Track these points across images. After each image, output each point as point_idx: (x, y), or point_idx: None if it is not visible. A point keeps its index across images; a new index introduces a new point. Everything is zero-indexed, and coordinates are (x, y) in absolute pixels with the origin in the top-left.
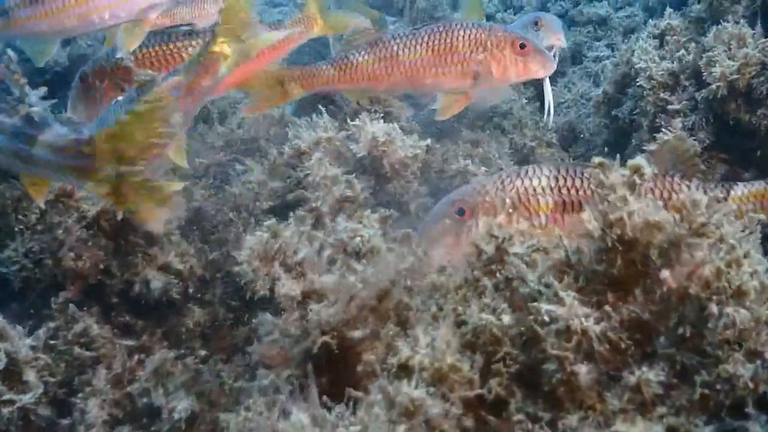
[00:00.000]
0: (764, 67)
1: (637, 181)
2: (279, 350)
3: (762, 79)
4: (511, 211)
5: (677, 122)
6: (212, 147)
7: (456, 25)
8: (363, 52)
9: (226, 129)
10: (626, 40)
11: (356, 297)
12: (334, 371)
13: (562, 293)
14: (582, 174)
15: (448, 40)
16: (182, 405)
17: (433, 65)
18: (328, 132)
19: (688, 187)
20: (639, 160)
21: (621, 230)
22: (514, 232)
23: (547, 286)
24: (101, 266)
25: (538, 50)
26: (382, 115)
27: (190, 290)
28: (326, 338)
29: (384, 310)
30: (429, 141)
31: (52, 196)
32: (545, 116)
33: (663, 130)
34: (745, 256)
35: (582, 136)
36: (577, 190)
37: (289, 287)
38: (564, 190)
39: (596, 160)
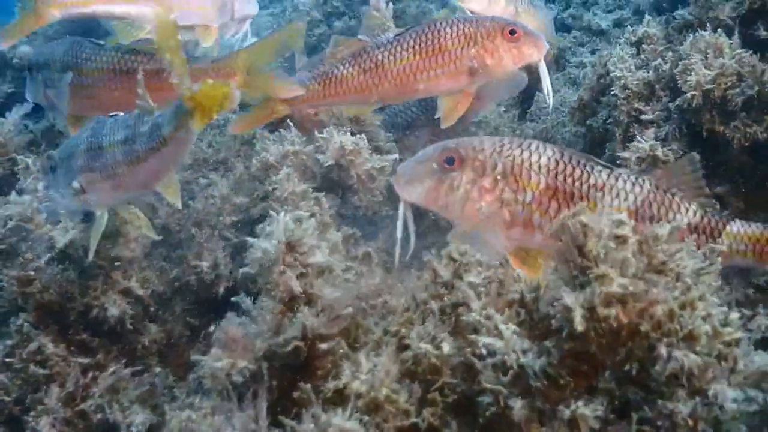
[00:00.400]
0: (740, 78)
1: (618, 252)
2: (244, 337)
3: (737, 90)
4: (499, 177)
5: (650, 133)
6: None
7: (441, 23)
8: (347, 65)
9: (196, 148)
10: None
11: (339, 314)
12: (292, 378)
13: (501, 326)
14: (584, 166)
15: (436, 40)
16: (139, 419)
17: (424, 69)
18: (296, 145)
19: (687, 209)
20: (622, 218)
21: (605, 322)
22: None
23: (488, 317)
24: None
25: (529, 33)
26: (349, 129)
27: (151, 309)
28: (301, 344)
29: (346, 329)
30: (397, 155)
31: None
32: (546, 99)
33: (636, 139)
34: (701, 298)
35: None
36: (573, 181)
37: (295, 282)
38: (560, 176)
39: (581, 218)
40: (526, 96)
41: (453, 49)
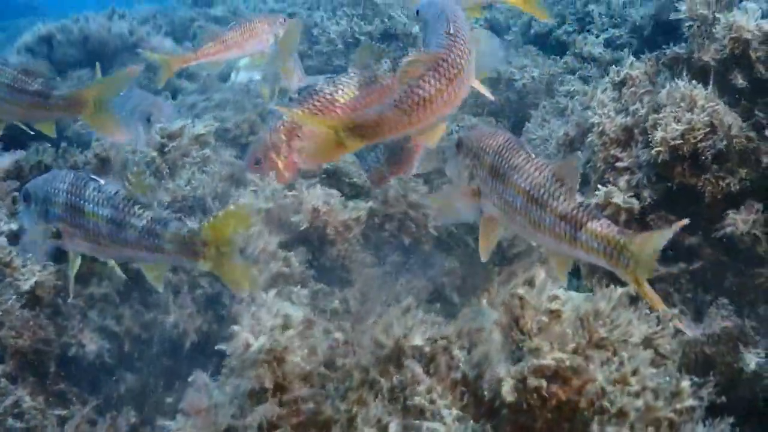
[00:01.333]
0: (712, 131)
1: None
2: (207, 410)
3: (708, 143)
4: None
5: (623, 180)
6: (159, 203)
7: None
8: (433, 80)
9: (175, 185)
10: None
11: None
12: None
13: (444, 412)
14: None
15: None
16: None
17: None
18: (269, 202)
19: (565, 199)
20: (558, 293)
21: (537, 393)
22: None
23: (432, 402)
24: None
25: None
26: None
27: (126, 349)
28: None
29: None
30: (371, 203)
31: None
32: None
33: (608, 186)
34: (634, 372)
35: None
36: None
37: (269, 379)
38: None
39: (518, 291)
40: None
41: None
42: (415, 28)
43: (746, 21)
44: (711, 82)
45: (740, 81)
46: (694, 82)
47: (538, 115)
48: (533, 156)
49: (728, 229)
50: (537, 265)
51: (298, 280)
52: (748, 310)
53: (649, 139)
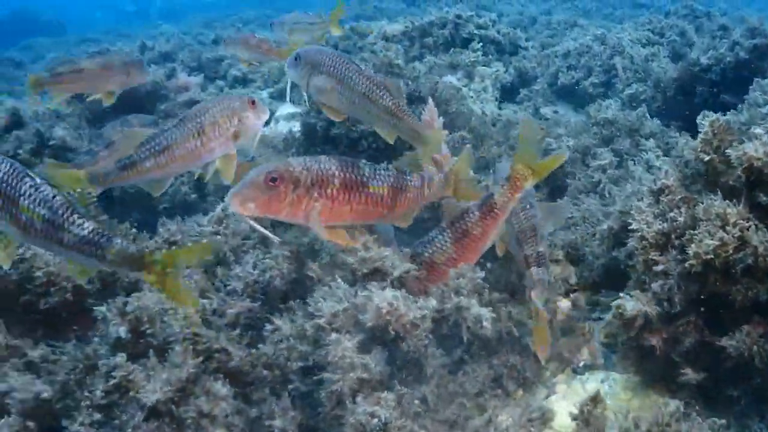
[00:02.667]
0: (743, 245)
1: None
2: None
3: (740, 256)
4: (309, 186)
5: (657, 286)
6: (235, 292)
7: None
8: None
9: (243, 271)
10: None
11: None
12: None
13: None
14: (359, 168)
15: None
16: None
17: None
18: (343, 303)
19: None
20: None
21: None
22: None
23: None
24: None
25: None
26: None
27: None
28: None
29: None
30: (434, 302)
31: None
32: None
33: (645, 287)
34: None
35: (585, 257)
36: (355, 177)
37: None
38: (348, 176)
39: None
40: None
41: None
42: (443, 92)
43: (755, 150)
44: (742, 199)
45: (763, 198)
46: (726, 201)
47: (573, 188)
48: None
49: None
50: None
51: (380, 383)
52: None
53: (685, 248)
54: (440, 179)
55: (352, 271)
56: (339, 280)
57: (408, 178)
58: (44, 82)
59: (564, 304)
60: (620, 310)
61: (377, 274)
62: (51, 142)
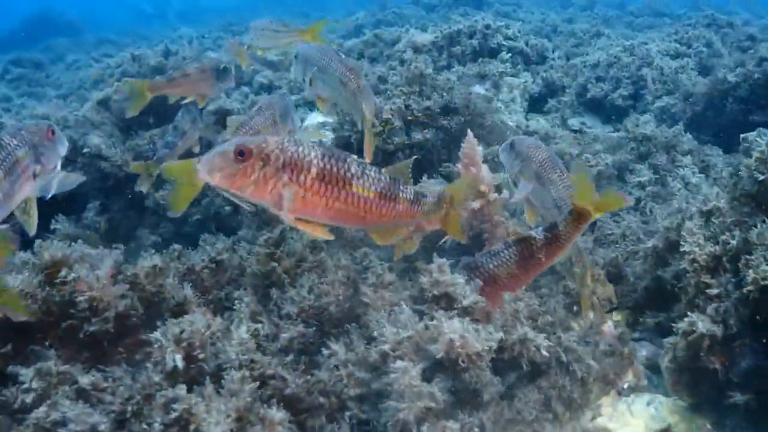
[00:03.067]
0: None
1: None
2: None
3: None
4: (280, 167)
5: (711, 308)
6: (289, 317)
7: None
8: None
9: (299, 295)
10: (673, 166)
11: None
12: None
13: None
14: (344, 161)
15: None
16: None
17: None
18: (409, 330)
19: (404, 190)
20: None
21: None
22: None
23: None
24: None
25: None
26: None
27: None
28: None
29: None
30: (501, 334)
31: None
32: None
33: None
34: None
35: (626, 276)
36: (337, 170)
37: None
38: (327, 166)
39: None
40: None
41: None
42: (477, 104)
43: None
44: None
45: None
46: None
47: None
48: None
49: None
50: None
51: (444, 412)
52: None
53: (739, 272)
54: (432, 200)
55: (420, 290)
56: (403, 304)
57: (401, 189)
58: (161, 87)
59: (606, 324)
60: (691, 330)
61: (445, 299)
62: (85, 150)
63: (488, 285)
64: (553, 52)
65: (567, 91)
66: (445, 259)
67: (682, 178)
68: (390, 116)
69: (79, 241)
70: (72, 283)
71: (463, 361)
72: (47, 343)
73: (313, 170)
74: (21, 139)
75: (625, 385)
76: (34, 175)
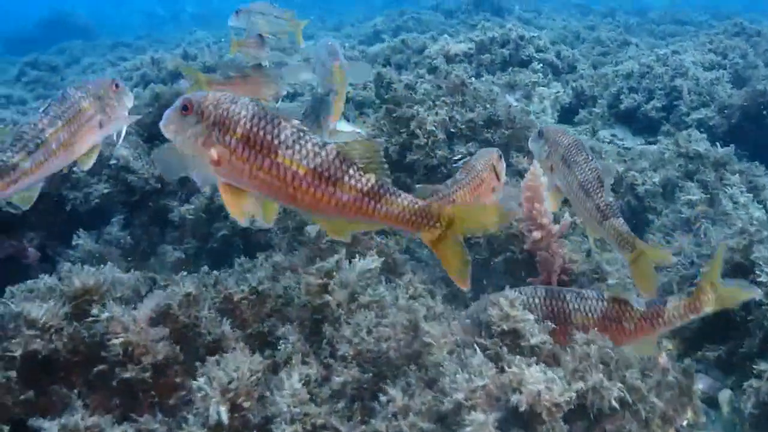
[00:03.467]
0: None
1: None
2: None
3: None
4: (210, 124)
5: None
6: (343, 359)
7: None
8: None
9: (354, 334)
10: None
11: None
12: None
13: None
14: (279, 124)
15: None
16: None
17: None
18: (485, 378)
19: (362, 176)
20: None
21: None
22: None
23: None
24: None
25: None
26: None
27: None
28: None
29: None
30: (581, 384)
31: None
32: None
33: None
34: None
35: None
36: (265, 134)
37: None
38: (254, 129)
39: None
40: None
41: None
42: (521, 118)
43: None
44: None
45: None
46: None
47: (659, 225)
48: (303, 131)
49: None
50: None
51: None
52: None
53: None
54: (415, 206)
55: (487, 325)
56: (477, 349)
57: (350, 173)
58: (216, 83)
59: (662, 356)
60: None
61: (512, 335)
62: (112, 162)
63: (559, 323)
64: (579, 59)
65: (599, 101)
66: (516, 293)
67: (730, 197)
68: (434, 128)
69: (109, 264)
70: (105, 323)
71: (544, 414)
72: (73, 388)
73: (239, 131)
74: (86, 91)
75: (684, 423)
76: (100, 125)
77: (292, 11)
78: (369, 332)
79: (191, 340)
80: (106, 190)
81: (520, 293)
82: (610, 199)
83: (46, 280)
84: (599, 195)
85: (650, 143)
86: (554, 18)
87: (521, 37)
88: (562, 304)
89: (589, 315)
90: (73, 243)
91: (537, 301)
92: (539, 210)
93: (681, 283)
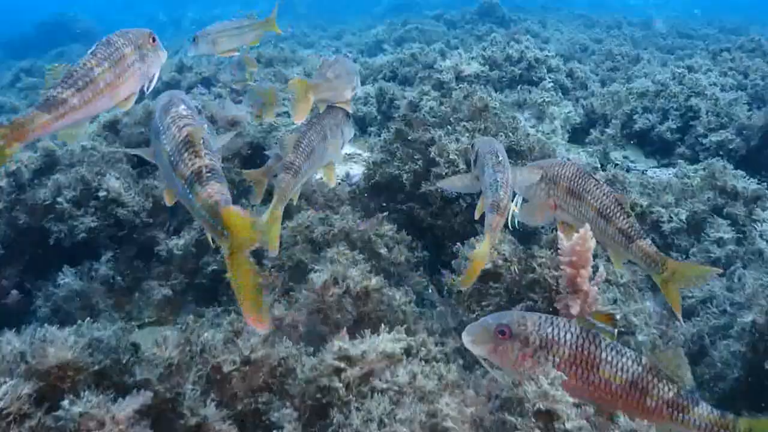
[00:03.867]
0: None
1: None
2: None
3: None
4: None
5: None
6: None
7: None
8: None
9: (364, 426)
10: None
11: None
12: None
13: None
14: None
15: None
16: None
17: None
18: None
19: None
20: None
21: None
22: None
23: None
24: None
25: None
26: None
27: None
28: None
29: None
30: None
31: None
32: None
33: None
34: None
35: (711, 358)
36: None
37: None
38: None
39: None
40: None
41: None
42: (542, 146)
43: None
44: None
45: None
46: None
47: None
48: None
49: None
50: None
51: None
52: None
53: None
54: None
55: (519, 401)
56: None
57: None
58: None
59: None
60: None
61: (546, 416)
62: (101, 194)
63: (583, 368)
64: (587, 74)
65: (613, 122)
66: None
67: (760, 235)
68: (456, 156)
69: (87, 320)
70: (75, 421)
71: None
72: None
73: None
74: (128, 39)
75: None
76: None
77: (252, 12)
78: (381, 424)
79: (169, 423)
80: (93, 224)
81: (551, 323)
82: (632, 219)
83: (14, 344)
84: (621, 218)
85: (663, 166)
86: (561, 30)
87: (537, 60)
88: (595, 350)
89: (619, 375)
90: (58, 282)
91: (568, 336)
92: (584, 276)
93: (712, 335)
